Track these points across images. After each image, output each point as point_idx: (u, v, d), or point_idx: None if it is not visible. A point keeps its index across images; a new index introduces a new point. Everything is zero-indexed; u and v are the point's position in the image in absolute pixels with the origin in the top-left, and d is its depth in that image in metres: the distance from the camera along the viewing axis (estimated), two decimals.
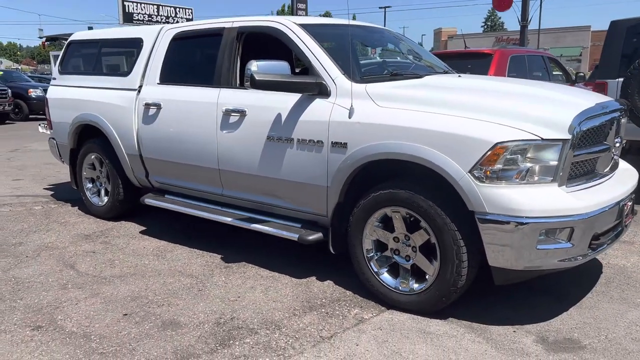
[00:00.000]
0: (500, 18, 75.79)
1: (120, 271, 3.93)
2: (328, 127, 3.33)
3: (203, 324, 3.09)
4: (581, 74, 8.73)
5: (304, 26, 3.80)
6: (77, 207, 5.77)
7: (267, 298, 3.42)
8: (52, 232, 4.92)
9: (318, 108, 3.43)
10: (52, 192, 6.57)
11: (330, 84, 3.43)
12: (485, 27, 75.11)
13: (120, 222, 5.21)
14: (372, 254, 3.32)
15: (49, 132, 5.94)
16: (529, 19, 15.47)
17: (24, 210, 5.69)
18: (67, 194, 6.36)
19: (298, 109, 3.51)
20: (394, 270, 3.28)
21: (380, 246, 3.32)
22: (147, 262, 4.12)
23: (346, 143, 3.25)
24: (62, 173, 7.57)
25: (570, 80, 8.43)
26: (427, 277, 3.10)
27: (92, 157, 5.31)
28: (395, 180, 3.17)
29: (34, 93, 17.74)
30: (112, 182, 5.13)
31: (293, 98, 3.54)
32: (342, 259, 3.69)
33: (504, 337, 2.89)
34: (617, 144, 3.40)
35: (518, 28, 16.09)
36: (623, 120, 3.50)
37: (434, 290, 3.04)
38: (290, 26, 3.78)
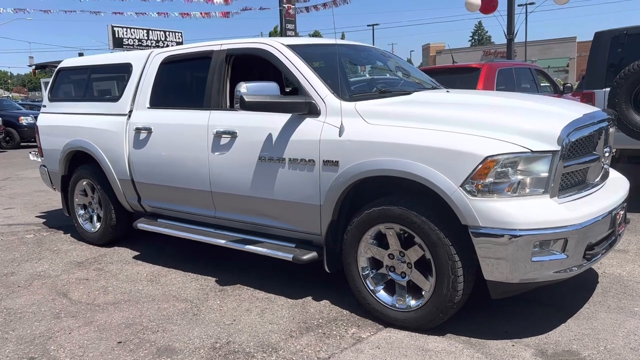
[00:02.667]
0: (487, 32, 76.88)
1: (114, 298, 3.88)
2: (319, 145, 3.34)
3: (199, 349, 3.05)
4: (569, 84, 8.81)
5: (292, 47, 3.83)
6: (69, 234, 5.72)
7: (263, 320, 3.39)
8: (44, 260, 4.87)
9: (308, 127, 3.44)
10: (44, 220, 6.52)
11: (320, 103, 3.44)
12: (473, 41, 76.08)
13: (113, 248, 5.16)
14: (367, 272, 3.30)
15: (39, 160, 5.91)
16: (515, 32, 15.67)
17: (16, 239, 5.63)
18: (59, 221, 6.31)
19: (288, 129, 3.51)
20: (390, 287, 3.26)
21: (375, 263, 3.31)
22: (141, 287, 4.07)
23: (337, 161, 3.25)
24: (54, 200, 7.53)
25: (558, 91, 8.52)
26: (423, 293, 3.09)
27: (84, 183, 5.28)
28: (388, 197, 3.17)
29: (25, 121, 17.72)
30: (105, 207, 5.10)
31: (283, 118, 3.55)
32: (338, 278, 3.67)
33: (502, 351, 2.86)
34: (607, 154, 3.42)
35: (505, 41, 16.29)
36: (612, 130, 3.53)
37: (431, 306, 3.02)
38: (278, 47, 3.81)
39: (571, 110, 3.27)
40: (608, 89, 5.62)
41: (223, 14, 23.78)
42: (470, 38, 78.01)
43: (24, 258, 4.95)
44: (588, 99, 6.00)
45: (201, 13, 23.88)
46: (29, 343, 3.21)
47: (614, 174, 3.72)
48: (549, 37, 50.44)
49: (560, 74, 39.26)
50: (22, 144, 17.84)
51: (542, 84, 8.47)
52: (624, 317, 3.21)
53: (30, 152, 6.53)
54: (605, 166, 3.49)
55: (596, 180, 3.30)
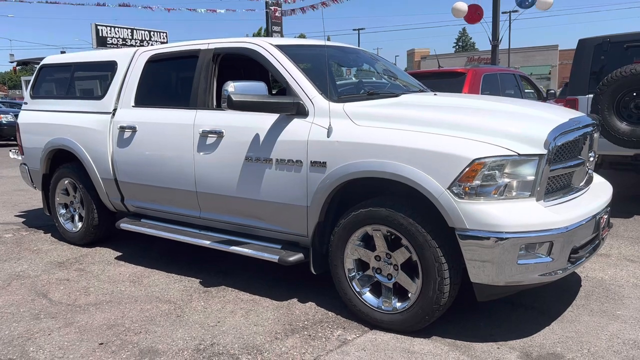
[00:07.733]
0: (471, 38, 77.70)
1: (95, 299, 3.81)
2: (307, 146, 3.32)
3: (182, 351, 3.00)
4: (552, 91, 8.91)
5: (281, 47, 3.81)
6: (50, 234, 5.62)
7: (248, 322, 3.35)
8: (24, 260, 4.77)
9: (296, 128, 3.42)
10: (24, 219, 6.39)
11: (308, 104, 3.43)
12: (457, 47, 76.81)
13: (95, 248, 5.08)
14: (353, 274, 3.29)
15: (20, 158, 5.80)
16: (499, 39, 15.84)
17: None
18: (40, 220, 6.19)
19: (276, 129, 3.49)
20: (377, 289, 3.25)
21: (362, 265, 3.29)
22: (123, 288, 4.01)
23: (325, 162, 3.24)
24: (34, 199, 7.39)
25: (541, 97, 8.61)
26: (409, 295, 3.08)
27: (66, 182, 5.19)
28: (375, 199, 3.16)
29: (4, 119, 17.40)
30: (87, 207, 5.02)
31: (271, 118, 3.53)
32: (324, 280, 3.65)
33: (488, 354, 2.87)
34: (591, 158, 3.47)
35: (489, 48, 16.46)
36: (596, 135, 3.57)
37: (417, 309, 3.02)
38: (266, 47, 3.79)
39: (557, 114, 3.31)
40: (591, 96, 5.70)
41: (210, 10, 23.73)
42: (455, 44, 78.79)
43: (3, 258, 4.84)
44: (572, 105, 6.07)
45: (187, 9, 23.74)
46: (7, 344, 3.13)
47: (597, 178, 3.77)
48: (532, 45, 51.14)
49: (542, 81, 39.79)
50: (1, 142, 17.51)
51: (526, 90, 8.56)
52: (606, 320, 3.24)
53: (10, 150, 6.41)
54: (590, 171, 3.53)
55: (581, 185, 3.33)
